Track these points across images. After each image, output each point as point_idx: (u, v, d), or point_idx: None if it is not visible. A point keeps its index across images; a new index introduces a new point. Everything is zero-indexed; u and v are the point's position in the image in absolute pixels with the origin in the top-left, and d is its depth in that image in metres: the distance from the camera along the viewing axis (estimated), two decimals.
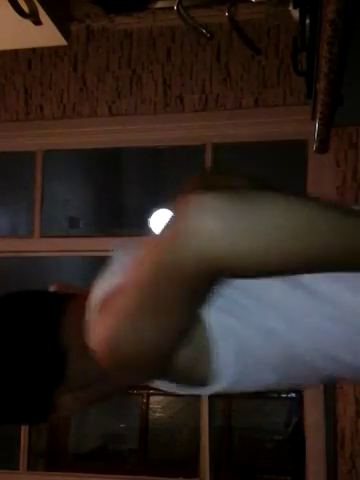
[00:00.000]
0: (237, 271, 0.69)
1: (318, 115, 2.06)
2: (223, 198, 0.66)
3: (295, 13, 2.16)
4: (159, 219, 4.79)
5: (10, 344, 0.88)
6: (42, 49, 2.86)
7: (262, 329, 0.81)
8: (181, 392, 0.87)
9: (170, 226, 0.71)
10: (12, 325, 0.90)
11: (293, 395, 3.42)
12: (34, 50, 2.87)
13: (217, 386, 0.82)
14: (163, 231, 0.72)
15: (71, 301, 0.92)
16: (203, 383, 0.83)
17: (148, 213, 4.83)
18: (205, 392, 0.85)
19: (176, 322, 0.76)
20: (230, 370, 0.81)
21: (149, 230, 4.66)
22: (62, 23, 2.71)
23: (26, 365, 0.87)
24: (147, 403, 3.88)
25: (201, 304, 0.77)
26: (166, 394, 3.93)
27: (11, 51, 2.85)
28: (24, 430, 2.81)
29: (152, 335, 0.75)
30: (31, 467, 2.84)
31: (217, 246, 0.65)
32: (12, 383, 0.88)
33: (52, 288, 0.99)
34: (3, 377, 0.88)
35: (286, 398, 3.63)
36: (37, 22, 2.53)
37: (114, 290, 0.78)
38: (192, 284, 0.71)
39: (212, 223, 0.65)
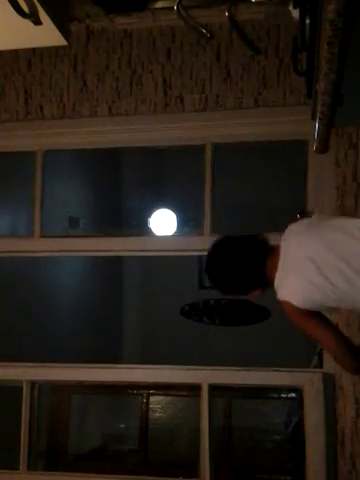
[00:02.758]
0: None
1: (318, 115, 2.06)
2: None
3: (295, 13, 2.16)
4: (159, 219, 4.80)
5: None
6: (42, 49, 2.86)
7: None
8: None
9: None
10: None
11: (293, 395, 3.41)
12: (34, 50, 2.88)
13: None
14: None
15: (273, 251, 1.77)
16: None
17: (148, 213, 4.83)
18: None
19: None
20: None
21: (149, 230, 4.67)
22: (62, 23, 2.71)
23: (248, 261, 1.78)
24: (147, 403, 3.88)
25: None
26: (166, 394, 3.94)
27: (11, 51, 2.86)
28: (24, 430, 2.81)
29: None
30: (31, 467, 2.84)
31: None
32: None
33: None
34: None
35: (286, 398, 3.63)
36: (37, 22, 2.52)
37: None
38: None
39: None
